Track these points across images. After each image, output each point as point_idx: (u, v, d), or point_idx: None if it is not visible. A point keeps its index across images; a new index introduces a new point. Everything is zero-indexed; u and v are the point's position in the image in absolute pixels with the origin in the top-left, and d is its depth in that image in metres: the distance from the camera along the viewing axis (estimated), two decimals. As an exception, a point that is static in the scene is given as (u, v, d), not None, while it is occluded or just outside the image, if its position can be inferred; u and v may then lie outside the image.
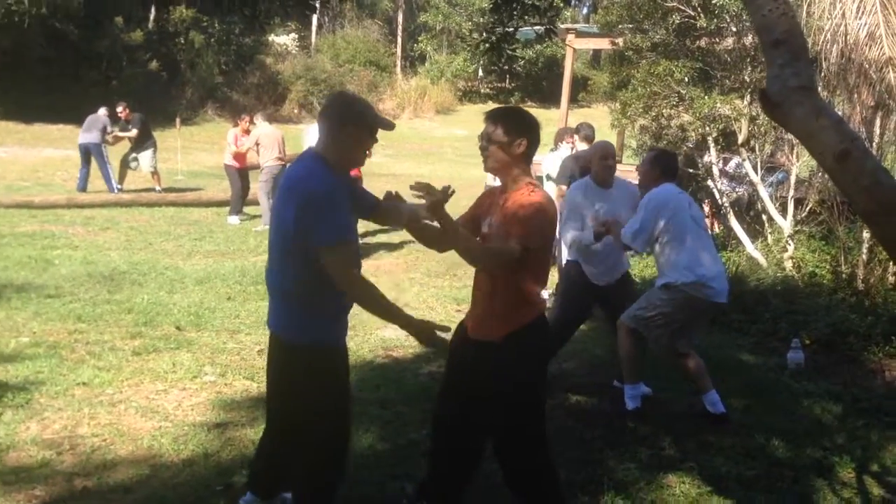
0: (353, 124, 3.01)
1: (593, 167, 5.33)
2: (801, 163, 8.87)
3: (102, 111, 13.33)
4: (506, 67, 32.88)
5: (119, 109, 13.52)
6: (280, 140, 10.93)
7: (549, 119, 18.98)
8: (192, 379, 5.12)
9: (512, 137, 3.16)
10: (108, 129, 13.17)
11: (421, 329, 3.08)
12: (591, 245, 5.05)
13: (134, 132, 13.27)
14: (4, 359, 5.19)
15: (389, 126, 3.18)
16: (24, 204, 11.07)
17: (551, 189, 7.96)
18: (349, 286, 2.98)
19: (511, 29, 6.30)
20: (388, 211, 3.28)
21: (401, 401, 4.92)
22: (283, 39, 32.74)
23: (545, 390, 3.32)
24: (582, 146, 7.78)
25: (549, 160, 8.48)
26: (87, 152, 12.96)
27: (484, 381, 3.21)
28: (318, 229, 2.85)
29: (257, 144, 10.88)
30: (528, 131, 3.20)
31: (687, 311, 4.76)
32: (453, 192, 3.04)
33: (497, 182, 3.37)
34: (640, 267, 8.44)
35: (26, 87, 20.98)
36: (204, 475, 3.86)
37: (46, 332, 5.81)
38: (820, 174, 8.82)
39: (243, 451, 4.12)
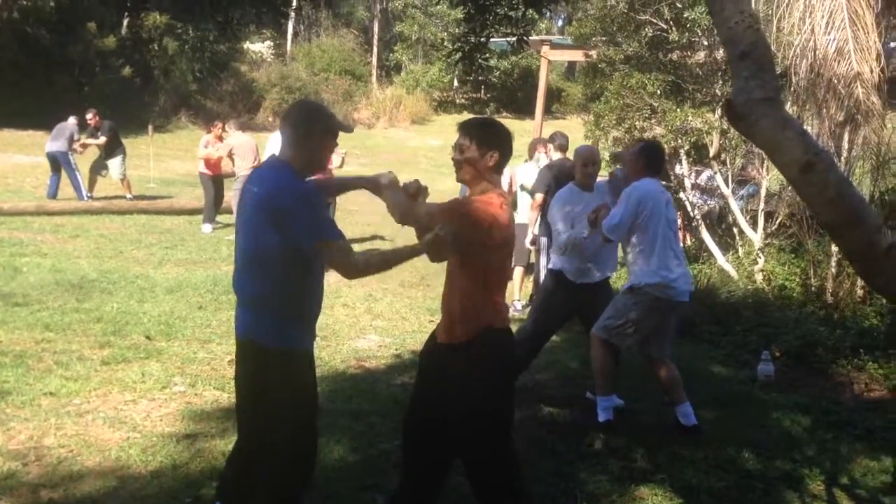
0: (321, 131, 3.09)
1: (577, 172, 5.41)
2: (771, 176, 8.99)
3: (72, 120, 13.21)
4: (480, 78, 33.02)
5: (88, 116, 13.40)
6: (254, 148, 10.89)
7: (525, 130, 19.07)
8: (162, 389, 5.06)
9: (484, 150, 3.17)
10: (76, 137, 13.04)
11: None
12: (584, 237, 5.06)
13: (102, 140, 13.14)
14: (-31, 368, 5.10)
15: (349, 129, 3.32)
16: (-9, 210, 10.91)
17: (526, 200, 8.00)
18: (358, 271, 3.10)
19: (483, 39, 6.33)
20: None
21: (373, 411, 4.90)
22: (259, 47, 32.62)
23: (509, 401, 3.30)
24: (556, 155, 7.82)
25: (522, 171, 8.50)
26: (54, 160, 12.82)
27: (443, 386, 3.20)
28: (317, 227, 2.95)
29: (231, 154, 10.83)
30: (501, 144, 3.21)
31: (655, 314, 4.80)
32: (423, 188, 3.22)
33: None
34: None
35: (-4, 91, 20.71)
36: (172, 487, 3.81)
37: (13, 340, 5.72)
38: (789, 188, 8.95)
39: (213, 462, 4.08)
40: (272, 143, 9.26)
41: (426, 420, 3.31)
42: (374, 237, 11.11)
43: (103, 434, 4.35)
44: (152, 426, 4.51)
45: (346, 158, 10.10)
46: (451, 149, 3.33)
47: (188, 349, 5.86)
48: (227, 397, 5.01)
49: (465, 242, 3.12)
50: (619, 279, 8.32)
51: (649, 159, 4.98)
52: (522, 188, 8.28)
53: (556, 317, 5.41)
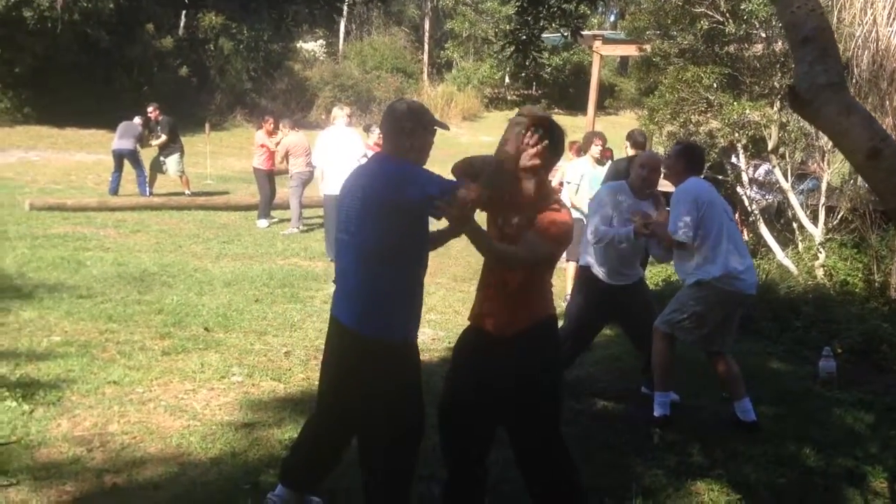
0: (426, 131, 3.21)
1: (632, 172, 5.24)
2: (832, 170, 8.79)
3: (137, 120, 13.46)
4: (532, 74, 32.86)
5: (150, 110, 13.67)
6: (307, 147, 11.02)
7: (576, 126, 18.92)
8: (220, 379, 5.15)
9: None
10: (142, 139, 13.31)
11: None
12: (624, 242, 4.91)
13: (163, 138, 13.40)
14: (37, 357, 5.25)
15: (445, 127, 3.39)
16: (56, 206, 11.22)
17: (583, 194, 7.89)
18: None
19: (537, 31, 6.27)
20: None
21: (427, 403, 4.89)
22: (311, 46, 32.95)
23: (561, 393, 3.30)
24: (633, 153, 7.57)
25: (574, 165, 8.43)
26: (120, 158, 13.11)
27: (499, 378, 3.20)
28: (438, 183, 3.01)
29: (287, 153, 11.00)
30: (551, 141, 3.19)
31: (719, 308, 4.71)
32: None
33: None
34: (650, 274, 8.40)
35: (59, 92, 21.27)
36: (231, 473, 3.88)
37: (78, 331, 5.88)
38: (851, 182, 8.73)
39: (270, 450, 4.14)
40: (323, 139, 9.34)
41: (470, 413, 3.30)
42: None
43: (165, 422, 4.45)
44: (211, 415, 4.60)
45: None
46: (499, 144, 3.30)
47: (245, 341, 5.95)
48: (284, 388, 5.09)
49: (552, 260, 3.20)
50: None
51: (690, 160, 4.92)
52: (568, 183, 8.21)
53: (599, 309, 5.31)
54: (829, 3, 7.84)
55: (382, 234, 3.06)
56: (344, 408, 3.29)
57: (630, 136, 7.69)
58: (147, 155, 13.68)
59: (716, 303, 4.69)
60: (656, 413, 4.85)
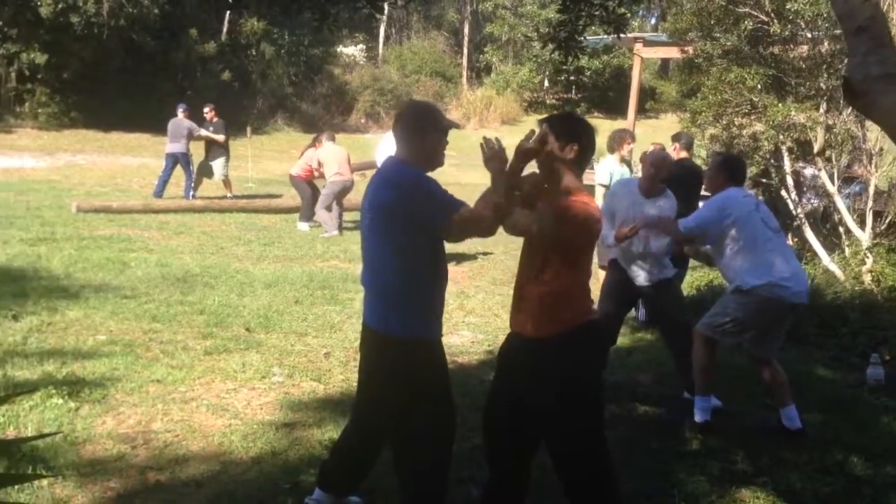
0: (433, 130, 3.17)
1: (642, 172, 5.30)
2: (879, 173, 8.61)
3: (181, 111, 13.54)
4: (571, 77, 32.70)
5: (206, 111, 13.82)
6: (342, 158, 11.16)
7: (596, 129, 18.82)
8: (261, 379, 5.19)
9: (563, 142, 3.12)
10: (195, 133, 13.44)
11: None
12: (610, 244, 5.05)
13: (222, 137, 13.54)
14: (83, 356, 5.34)
15: (457, 125, 3.37)
16: (102, 209, 11.42)
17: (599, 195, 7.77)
18: (493, 223, 3.04)
19: (579, 28, 6.20)
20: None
21: (466, 406, 4.88)
22: (351, 50, 33.21)
23: (601, 396, 3.26)
24: (682, 155, 7.41)
25: (605, 167, 8.27)
26: (174, 161, 13.27)
27: (542, 380, 3.17)
28: (434, 212, 3.02)
29: (320, 164, 11.16)
30: (581, 136, 3.16)
31: (761, 316, 4.63)
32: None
33: None
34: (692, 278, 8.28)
35: (105, 96, 21.71)
36: (272, 473, 3.91)
37: (122, 331, 5.97)
38: (900, 185, 8.56)
39: (310, 450, 4.16)
40: (384, 146, 9.40)
41: (514, 416, 3.27)
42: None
43: (207, 420, 4.49)
44: (253, 414, 4.64)
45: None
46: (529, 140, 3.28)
47: (286, 341, 6.00)
48: (324, 388, 5.11)
49: (571, 246, 3.11)
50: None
51: (730, 171, 4.89)
52: (601, 185, 8.05)
53: (623, 299, 5.35)
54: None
55: (391, 236, 3.09)
56: (373, 409, 3.31)
57: (679, 138, 7.48)
58: (197, 155, 13.80)
59: (757, 310, 4.61)
60: (697, 419, 4.79)
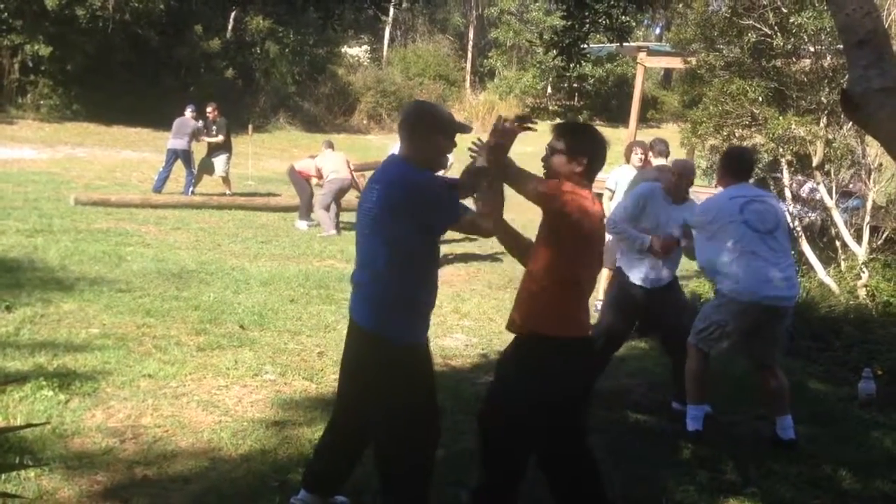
0: (439, 134, 3.15)
1: (662, 179, 5.30)
2: (877, 189, 8.62)
3: (189, 112, 13.57)
4: (575, 84, 32.74)
5: (209, 110, 13.83)
6: (339, 159, 11.34)
7: (617, 138, 18.75)
8: (253, 377, 5.19)
9: (573, 155, 3.14)
10: (200, 134, 13.47)
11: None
12: (636, 249, 5.08)
13: (220, 138, 13.57)
14: (75, 348, 5.34)
15: (467, 129, 3.34)
16: (100, 202, 11.41)
17: (612, 204, 7.91)
18: (485, 230, 3.26)
19: (583, 33, 6.21)
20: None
21: (457, 409, 4.90)
22: (356, 51, 33.21)
23: (581, 403, 3.30)
24: (659, 161, 7.70)
25: (616, 174, 8.39)
26: (174, 157, 13.28)
27: (521, 376, 3.20)
28: (439, 215, 3.07)
29: (319, 173, 11.38)
30: (592, 150, 3.17)
31: (737, 318, 4.63)
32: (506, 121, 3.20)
33: None
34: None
35: (107, 90, 21.67)
36: (261, 470, 3.90)
37: (116, 324, 5.97)
38: (898, 201, 8.57)
39: (300, 449, 4.15)
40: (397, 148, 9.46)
41: (503, 415, 3.29)
42: (457, 237, 11.14)
43: (197, 416, 4.49)
44: (243, 411, 4.63)
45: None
46: (545, 149, 3.32)
47: (279, 339, 5.99)
48: (316, 387, 5.11)
49: (556, 231, 3.11)
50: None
51: (729, 164, 4.93)
52: (609, 190, 8.19)
53: (624, 317, 5.32)
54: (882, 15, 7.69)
55: (391, 237, 3.07)
56: (357, 409, 3.30)
57: (653, 146, 7.87)
58: (198, 153, 13.82)
59: (736, 312, 4.62)
60: (689, 427, 4.78)
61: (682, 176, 5.23)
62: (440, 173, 3.37)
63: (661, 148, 7.83)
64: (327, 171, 11.18)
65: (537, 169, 3.35)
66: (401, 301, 3.12)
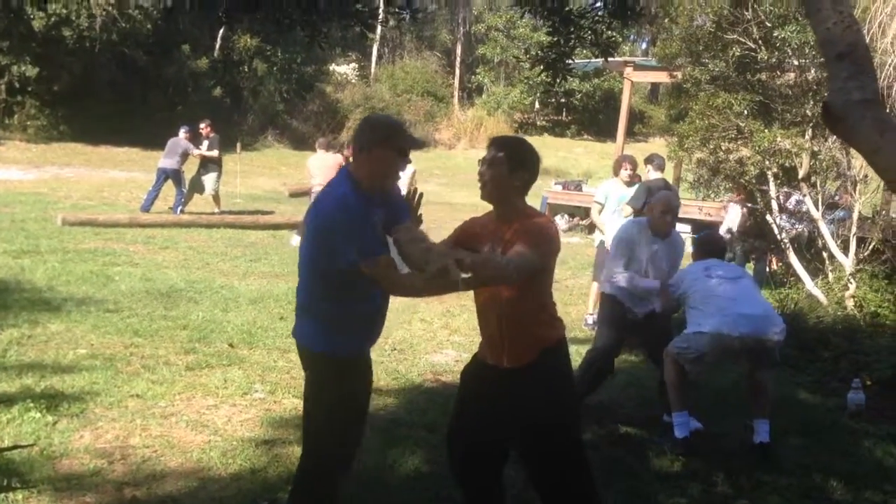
0: (380, 147, 3.01)
1: (653, 217, 5.29)
2: (863, 200, 8.67)
3: (182, 132, 13.56)
4: (562, 99, 32.91)
5: (202, 126, 13.82)
6: (329, 166, 11.18)
7: (605, 152, 18.95)
8: (243, 395, 5.17)
9: (513, 166, 3.14)
10: (192, 153, 13.45)
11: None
12: (645, 293, 5.20)
13: (216, 153, 13.55)
14: (62, 369, 5.30)
15: (419, 145, 3.24)
16: (88, 222, 11.38)
17: (603, 217, 8.00)
18: (393, 289, 3.11)
19: (568, 49, 6.25)
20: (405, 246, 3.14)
21: (447, 425, 4.88)
22: (344, 69, 33.32)
23: (578, 416, 3.30)
24: (655, 175, 7.84)
25: (603, 188, 8.48)
26: (164, 177, 13.26)
27: (515, 407, 3.18)
28: (341, 253, 2.91)
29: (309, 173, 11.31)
30: (530, 164, 3.19)
31: (713, 349, 4.78)
32: (420, 195, 3.21)
33: None
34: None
35: (94, 110, 21.67)
36: (251, 490, 3.88)
37: (104, 344, 5.94)
38: (883, 213, 8.61)
39: (290, 467, 4.12)
40: None
41: (486, 440, 3.28)
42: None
43: (186, 436, 4.46)
44: (233, 431, 4.61)
45: (417, 177, 10.00)
46: (478, 162, 3.30)
47: (269, 358, 5.97)
48: (305, 405, 5.09)
49: (541, 268, 3.12)
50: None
51: (704, 250, 5.31)
52: (598, 203, 8.27)
53: (619, 329, 5.40)
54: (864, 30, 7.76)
55: (311, 254, 3.04)
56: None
57: (651, 160, 8.04)
58: (189, 171, 13.80)
59: (708, 344, 4.77)
60: (677, 434, 4.78)
61: (665, 212, 5.25)
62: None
63: (659, 162, 8.02)
64: (314, 180, 11.14)
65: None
66: (328, 317, 3.09)
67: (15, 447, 3.86)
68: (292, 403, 5.10)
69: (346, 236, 2.90)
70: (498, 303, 3.18)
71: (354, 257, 2.89)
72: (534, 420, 3.14)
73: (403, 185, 9.15)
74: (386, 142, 3.02)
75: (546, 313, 3.23)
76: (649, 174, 7.96)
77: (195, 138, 13.59)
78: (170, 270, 8.90)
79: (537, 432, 3.16)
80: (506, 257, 3.02)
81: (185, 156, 13.32)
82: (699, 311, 4.85)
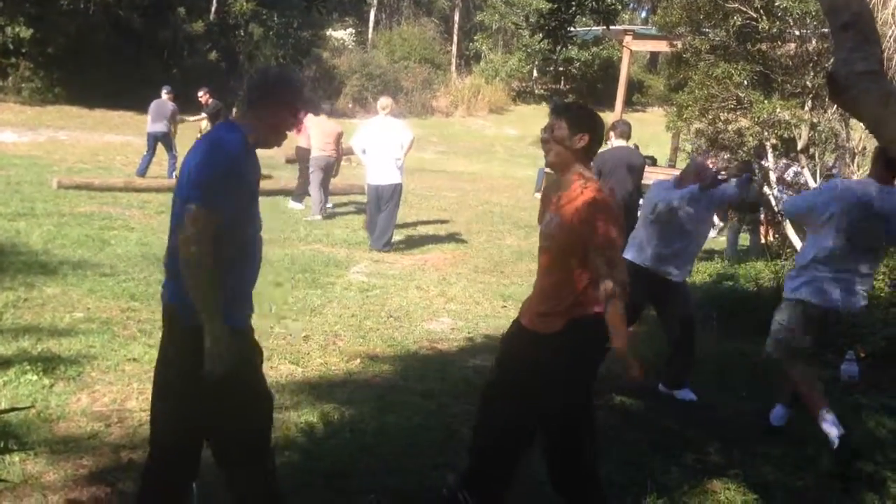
0: (279, 105, 2.83)
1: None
2: (861, 172, 8.66)
3: (165, 93, 13.46)
4: (560, 67, 32.68)
5: (200, 94, 13.74)
6: (330, 134, 11.13)
7: (604, 121, 18.80)
8: (239, 361, 5.16)
9: (574, 131, 3.14)
10: (178, 118, 13.38)
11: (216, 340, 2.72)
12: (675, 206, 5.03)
13: (202, 116, 13.46)
14: (59, 333, 5.30)
15: (316, 111, 3.07)
16: (83, 186, 11.32)
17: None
18: (187, 248, 2.74)
19: (568, 16, 6.21)
20: None
21: (444, 392, 4.91)
22: (341, 34, 33.03)
23: (588, 390, 3.32)
24: (619, 142, 7.84)
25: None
26: (154, 141, 13.19)
27: (543, 374, 3.20)
28: (195, 186, 2.69)
29: (302, 130, 11.19)
30: (592, 127, 3.19)
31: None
32: None
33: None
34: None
35: (90, 73, 21.48)
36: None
37: (100, 308, 5.93)
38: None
39: (286, 433, 4.14)
40: (366, 129, 9.44)
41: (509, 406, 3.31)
42: (443, 221, 11.13)
43: (182, 400, 4.46)
44: (229, 395, 4.61)
45: (414, 144, 9.86)
46: (539, 132, 3.32)
47: (264, 324, 5.97)
48: (301, 371, 5.11)
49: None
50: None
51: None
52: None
53: (641, 295, 5.35)
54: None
55: (184, 206, 2.73)
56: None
57: (615, 126, 8.05)
58: (184, 138, 13.71)
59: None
60: (831, 433, 4.38)
61: (700, 176, 5.17)
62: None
63: (623, 129, 8.00)
64: (313, 142, 11.08)
65: (525, 152, 3.34)
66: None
67: (12, 409, 3.86)
68: (288, 369, 5.12)
69: (222, 172, 2.72)
70: (554, 269, 3.23)
71: (217, 201, 2.69)
72: (559, 387, 3.18)
73: (402, 152, 9.24)
74: (280, 97, 2.83)
75: (576, 286, 3.18)
76: (612, 142, 7.93)
77: (188, 104, 13.51)
78: (165, 235, 8.78)
79: (551, 400, 3.20)
80: (609, 281, 3.02)
81: (173, 117, 13.23)
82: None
